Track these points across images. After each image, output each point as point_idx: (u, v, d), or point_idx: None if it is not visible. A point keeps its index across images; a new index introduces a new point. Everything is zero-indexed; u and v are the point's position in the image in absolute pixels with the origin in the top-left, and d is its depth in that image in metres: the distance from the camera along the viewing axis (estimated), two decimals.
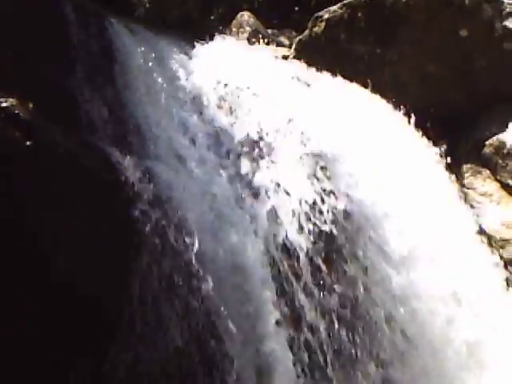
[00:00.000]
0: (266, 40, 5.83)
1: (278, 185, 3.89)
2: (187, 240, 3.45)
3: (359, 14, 5.83)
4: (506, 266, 5.07)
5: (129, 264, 3.34)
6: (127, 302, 3.28)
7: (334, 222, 3.83)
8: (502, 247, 5.41)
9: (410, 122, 5.06)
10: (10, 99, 3.28)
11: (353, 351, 3.71)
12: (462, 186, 5.58)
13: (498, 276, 4.92)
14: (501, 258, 5.13)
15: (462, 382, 4.03)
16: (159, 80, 4.19)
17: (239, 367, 3.36)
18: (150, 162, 3.72)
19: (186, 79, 4.37)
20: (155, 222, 3.44)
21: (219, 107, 4.25)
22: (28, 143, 3.21)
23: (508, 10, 5.88)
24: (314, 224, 3.77)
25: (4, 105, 3.26)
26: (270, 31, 6.24)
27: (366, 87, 5.26)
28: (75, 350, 3.15)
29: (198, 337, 3.36)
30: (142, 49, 4.27)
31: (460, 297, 4.24)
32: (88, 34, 3.94)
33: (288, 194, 3.86)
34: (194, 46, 4.86)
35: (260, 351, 3.47)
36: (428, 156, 4.95)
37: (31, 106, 3.35)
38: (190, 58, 4.65)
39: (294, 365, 3.54)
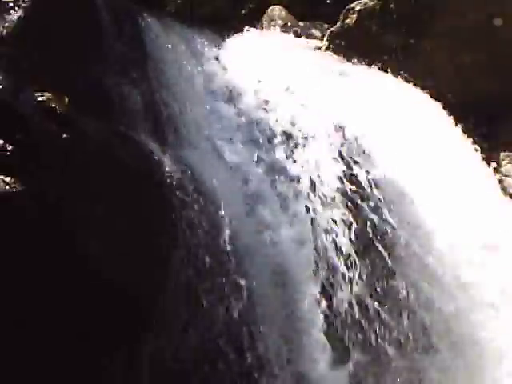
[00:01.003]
0: (297, 33, 5.82)
1: (312, 176, 3.88)
2: (222, 229, 3.45)
3: (391, 6, 5.80)
4: None
5: (165, 253, 3.35)
6: (162, 290, 3.29)
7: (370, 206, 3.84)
8: None
9: (445, 111, 5.01)
10: (46, 93, 3.30)
11: None
12: (499, 173, 5.52)
13: None
14: None
15: None
16: (193, 72, 4.20)
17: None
18: (185, 153, 3.72)
19: (220, 72, 4.37)
20: (191, 212, 3.44)
21: (254, 99, 4.24)
22: (64, 136, 3.23)
23: None
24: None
25: (40, 99, 3.28)
26: (301, 24, 6.22)
27: (399, 77, 5.23)
28: (111, 338, 3.16)
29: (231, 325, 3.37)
30: (175, 42, 4.27)
31: None
32: (121, 29, 3.95)
33: (322, 182, 3.85)
34: (226, 40, 4.86)
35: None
36: (464, 145, 4.90)
37: (67, 99, 3.37)
38: (223, 51, 4.65)
39: None
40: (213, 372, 3.34)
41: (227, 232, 3.53)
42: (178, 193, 3.50)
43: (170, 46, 4.25)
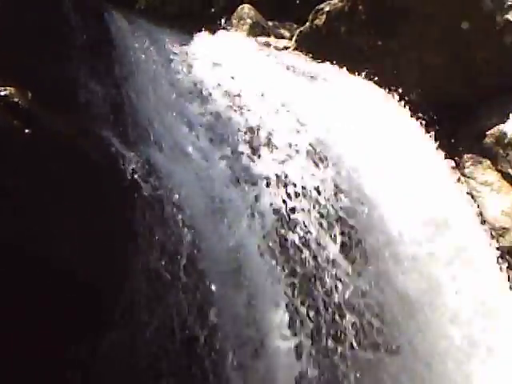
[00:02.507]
0: (266, 32, 5.86)
1: (277, 173, 3.91)
2: (185, 227, 3.47)
3: (360, 7, 5.86)
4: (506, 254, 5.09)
5: (127, 251, 3.36)
6: (125, 288, 3.31)
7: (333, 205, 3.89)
8: (502, 235, 5.43)
9: (409, 113, 5.07)
10: (9, 88, 3.30)
11: None
12: (463, 175, 5.60)
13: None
14: (499, 246, 5.15)
15: None
16: (159, 70, 4.20)
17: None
18: (149, 151, 3.73)
19: (186, 70, 4.39)
20: (153, 210, 3.46)
21: (219, 97, 4.26)
22: (27, 131, 3.24)
23: (509, 2, 5.92)
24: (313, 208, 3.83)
25: (3, 93, 3.27)
26: (270, 23, 6.26)
27: (366, 78, 5.28)
28: (73, 334, 3.17)
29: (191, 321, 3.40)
30: (142, 39, 4.28)
31: None
32: (87, 25, 3.94)
33: (286, 180, 3.88)
34: (195, 38, 4.87)
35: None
36: (428, 145, 4.96)
37: (30, 94, 3.37)
38: (191, 49, 4.66)
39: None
40: (169, 368, 3.37)
41: (188, 231, 3.55)
42: (141, 191, 3.51)
43: (137, 44, 4.25)
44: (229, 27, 5.47)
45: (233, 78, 4.46)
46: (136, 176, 3.49)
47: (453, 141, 5.42)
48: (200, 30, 4.97)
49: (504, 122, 5.65)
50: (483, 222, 5.23)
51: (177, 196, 3.53)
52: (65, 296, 3.19)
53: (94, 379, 3.25)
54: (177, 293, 3.45)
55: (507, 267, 5.04)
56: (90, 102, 3.77)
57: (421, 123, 5.14)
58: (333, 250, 3.83)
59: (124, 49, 4.09)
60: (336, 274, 3.80)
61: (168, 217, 3.54)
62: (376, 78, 5.27)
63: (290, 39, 5.95)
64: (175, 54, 4.49)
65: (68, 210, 3.32)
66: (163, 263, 3.45)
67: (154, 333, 3.35)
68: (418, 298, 4.09)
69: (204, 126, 4.10)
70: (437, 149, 5.03)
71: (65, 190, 3.31)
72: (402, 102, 5.16)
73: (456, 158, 5.47)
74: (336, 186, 4.02)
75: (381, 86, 5.25)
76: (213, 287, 3.46)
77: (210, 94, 4.30)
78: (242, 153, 4.01)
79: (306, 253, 3.74)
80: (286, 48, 5.68)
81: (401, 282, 4.06)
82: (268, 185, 3.86)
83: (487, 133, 5.72)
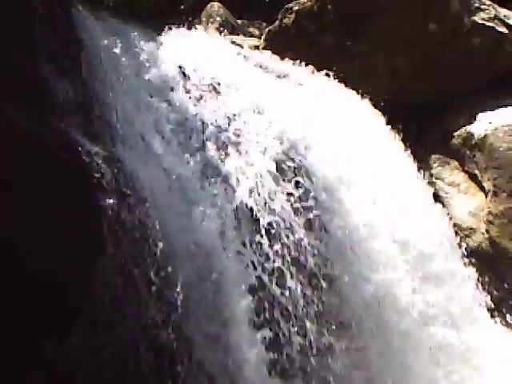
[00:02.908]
0: (235, 30, 5.84)
1: (244, 170, 3.90)
2: (152, 224, 3.45)
3: (329, 7, 5.86)
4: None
5: (93, 249, 3.33)
6: (92, 286, 3.28)
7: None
8: (468, 236, 5.48)
9: (378, 113, 5.09)
10: None
11: None
12: (430, 175, 5.62)
13: None
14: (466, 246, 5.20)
15: None
16: (126, 67, 4.17)
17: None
18: (116, 147, 3.71)
19: (154, 67, 4.35)
20: (119, 207, 3.43)
21: (186, 95, 4.24)
22: None
23: (476, 4, 5.96)
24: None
25: None
26: (239, 22, 6.24)
27: (334, 78, 5.28)
28: (40, 333, 3.14)
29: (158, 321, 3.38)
30: (110, 36, 4.25)
31: None
32: (53, 21, 3.91)
33: (254, 177, 3.88)
34: (162, 35, 4.84)
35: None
36: (395, 146, 4.98)
37: None
38: (158, 47, 4.63)
39: None
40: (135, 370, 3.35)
41: (155, 228, 3.52)
42: (107, 188, 3.47)
43: (104, 41, 4.22)
44: (198, 25, 5.44)
45: (201, 75, 4.44)
46: (102, 173, 3.45)
47: (420, 141, 5.43)
48: (168, 28, 4.93)
49: (471, 123, 5.69)
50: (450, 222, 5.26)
51: (144, 192, 3.50)
52: (30, 294, 3.15)
53: (57, 380, 3.22)
54: (143, 291, 3.44)
55: (474, 267, 5.08)
56: (56, 99, 3.73)
57: (389, 123, 5.15)
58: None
59: (91, 46, 4.07)
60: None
61: (135, 213, 3.51)
62: (345, 78, 5.27)
63: (260, 38, 5.94)
64: (143, 51, 4.45)
65: (33, 208, 3.28)
66: (130, 261, 3.43)
67: (120, 333, 3.32)
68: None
69: (171, 123, 4.08)
70: (405, 149, 5.04)
71: (29, 188, 3.27)
72: (371, 103, 5.17)
73: (423, 159, 5.50)
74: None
75: (349, 87, 5.25)
76: (179, 283, 3.43)
77: (178, 92, 4.27)
78: (210, 150, 3.99)
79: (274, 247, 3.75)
80: (256, 47, 5.67)
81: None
82: (236, 181, 3.84)
83: (454, 134, 5.76)
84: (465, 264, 5.00)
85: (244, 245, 3.73)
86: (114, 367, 3.29)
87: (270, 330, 3.70)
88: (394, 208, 4.43)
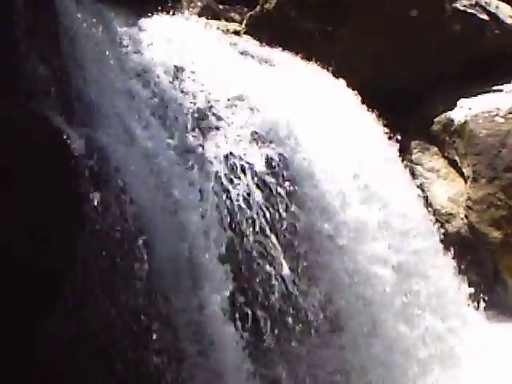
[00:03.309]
0: (217, 15, 5.82)
1: (226, 155, 3.90)
2: (131, 209, 3.44)
3: None
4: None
5: (72, 232, 3.32)
6: (71, 268, 3.28)
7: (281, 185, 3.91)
8: (448, 221, 5.52)
9: (358, 98, 5.08)
10: None
11: None
12: (410, 161, 5.65)
13: None
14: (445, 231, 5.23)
15: None
16: (107, 51, 4.14)
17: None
18: (95, 131, 3.68)
19: (135, 51, 4.33)
20: (98, 191, 3.41)
21: (167, 79, 4.21)
22: None
23: None
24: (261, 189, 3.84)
25: None
26: (221, 7, 6.21)
27: (315, 63, 5.27)
28: (18, 314, 3.13)
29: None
30: (89, 19, 4.21)
31: None
32: (33, 2, 3.87)
33: (235, 163, 3.87)
34: (142, 19, 4.80)
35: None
36: (376, 131, 4.99)
37: None
38: (140, 30, 4.60)
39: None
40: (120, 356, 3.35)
41: (134, 212, 3.51)
42: (86, 172, 3.45)
43: (84, 23, 4.18)
44: (179, 10, 5.40)
45: (181, 60, 4.41)
46: (81, 155, 3.43)
47: (400, 127, 5.44)
48: (149, 12, 4.89)
49: (451, 110, 5.72)
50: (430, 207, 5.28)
51: (123, 175, 3.49)
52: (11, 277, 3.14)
53: (43, 361, 3.21)
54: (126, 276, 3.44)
55: (453, 253, 5.11)
56: (35, 82, 3.70)
57: (369, 109, 5.15)
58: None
59: (70, 28, 4.02)
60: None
61: (114, 197, 3.49)
62: (326, 63, 5.27)
63: (241, 23, 5.92)
64: (123, 34, 4.41)
65: (9, 193, 3.26)
66: (111, 245, 3.43)
67: (105, 317, 3.32)
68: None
69: (151, 107, 4.06)
70: (385, 134, 5.05)
71: (6, 172, 3.25)
72: (351, 88, 5.16)
73: (403, 144, 5.51)
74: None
75: (330, 72, 5.25)
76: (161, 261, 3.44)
77: (158, 76, 4.25)
78: (190, 134, 3.98)
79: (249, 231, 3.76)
80: (237, 32, 5.65)
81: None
82: (215, 165, 3.84)
83: (435, 120, 5.79)
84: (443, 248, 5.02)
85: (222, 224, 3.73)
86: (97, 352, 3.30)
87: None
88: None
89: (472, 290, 5.08)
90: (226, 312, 3.63)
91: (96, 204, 3.44)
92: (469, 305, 5.04)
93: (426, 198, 5.32)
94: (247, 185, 3.84)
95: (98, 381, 3.36)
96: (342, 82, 5.11)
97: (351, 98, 4.98)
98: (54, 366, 3.30)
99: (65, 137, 3.46)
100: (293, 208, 3.94)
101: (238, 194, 3.81)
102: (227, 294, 3.63)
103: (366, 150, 4.62)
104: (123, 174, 3.57)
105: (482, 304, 5.13)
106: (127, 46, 4.35)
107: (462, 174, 5.62)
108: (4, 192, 3.21)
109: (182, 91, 4.25)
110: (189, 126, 4.07)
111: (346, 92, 5.00)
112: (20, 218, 3.25)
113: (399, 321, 4.30)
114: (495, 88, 5.73)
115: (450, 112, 5.71)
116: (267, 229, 3.81)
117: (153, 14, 4.89)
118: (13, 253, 3.18)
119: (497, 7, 6.06)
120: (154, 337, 3.45)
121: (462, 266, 5.11)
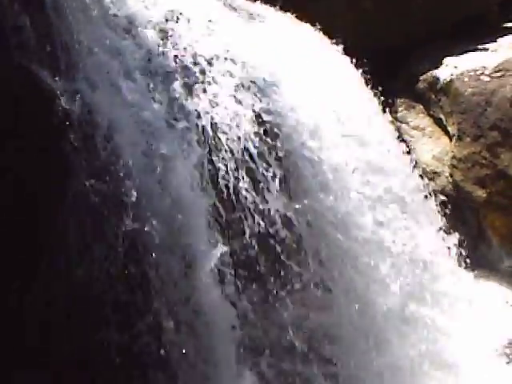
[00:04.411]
0: None
1: (211, 110, 3.88)
2: (118, 162, 3.42)
3: None
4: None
5: (59, 185, 3.30)
6: (55, 224, 3.27)
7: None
8: (432, 179, 5.54)
9: (344, 56, 5.05)
10: None
11: None
12: (396, 119, 5.65)
13: None
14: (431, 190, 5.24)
15: None
16: (90, 4, 4.07)
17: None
18: (81, 86, 3.63)
19: (119, 3, 4.26)
20: (84, 145, 3.39)
21: (153, 32, 4.16)
22: None
23: None
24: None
25: None
26: None
27: (301, 20, 5.22)
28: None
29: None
30: None
31: None
32: None
33: (222, 117, 3.85)
34: None
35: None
36: (363, 90, 4.97)
37: None
38: None
39: None
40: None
41: (122, 168, 3.49)
42: (73, 128, 3.43)
43: None
44: None
45: (169, 14, 4.35)
46: (67, 109, 3.40)
47: (386, 85, 5.42)
48: None
49: (437, 68, 5.71)
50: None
51: (109, 130, 3.47)
52: None
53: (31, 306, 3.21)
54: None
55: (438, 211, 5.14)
56: (19, 36, 3.64)
57: (355, 67, 5.12)
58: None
59: None
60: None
61: (100, 152, 3.47)
62: (311, 20, 5.22)
63: None
64: None
65: None
66: (97, 202, 3.41)
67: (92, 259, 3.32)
68: None
69: (138, 61, 4.00)
70: (371, 92, 5.04)
71: None
72: (337, 46, 5.13)
73: (389, 102, 5.50)
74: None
75: (316, 29, 5.20)
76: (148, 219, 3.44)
77: (145, 31, 4.19)
78: (177, 89, 3.94)
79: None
80: None
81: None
82: (203, 121, 3.82)
83: (420, 78, 5.78)
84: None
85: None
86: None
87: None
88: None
89: (456, 247, 5.11)
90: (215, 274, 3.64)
91: (82, 160, 3.42)
92: (454, 261, 5.07)
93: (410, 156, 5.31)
94: (235, 137, 3.82)
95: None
96: (328, 42, 5.07)
97: (337, 57, 4.94)
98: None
99: (51, 92, 3.43)
100: (282, 162, 3.93)
101: (225, 148, 3.79)
102: (217, 251, 3.63)
103: (353, 107, 4.61)
104: (110, 128, 3.55)
105: (465, 261, 5.17)
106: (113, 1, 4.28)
107: (447, 133, 5.64)
108: None
109: (169, 45, 4.19)
110: (176, 82, 4.02)
111: (332, 50, 4.97)
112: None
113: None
114: (481, 46, 5.73)
115: (435, 70, 5.70)
116: (255, 182, 3.81)
117: None
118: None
119: None
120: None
121: (447, 224, 5.14)
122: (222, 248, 3.63)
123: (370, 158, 4.45)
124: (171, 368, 3.52)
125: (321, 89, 4.43)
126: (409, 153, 5.30)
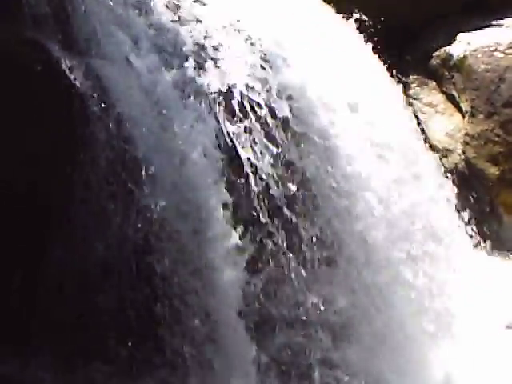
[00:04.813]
0: None
1: (223, 86, 3.88)
2: (129, 137, 3.45)
3: None
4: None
5: (71, 159, 3.33)
6: (69, 197, 3.31)
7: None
8: (445, 156, 5.53)
9: (358, 31, 5.04)
10: None
11: None
12: (408, 96, 5.63)
13: None
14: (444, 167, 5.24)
15: None
16: None
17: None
18: (94, 61, 3.66)
19: None
20: (97, 120, 3.41)
21: (165, 8, 4.17)
22: None
23: None
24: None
25: None
26: None
27: None
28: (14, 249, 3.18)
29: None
30: None
31: None
32: None
33: (233, 93, 3.86)
34: None
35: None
36: (375, 64, 4.96)
37: None
38: None
39: None
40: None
41: (138, 145, 3.52)
42: (86, 103, 3.45)
43: None
44: None
45: None
46: (80, 86, 3.43)
47: (399, 62, 5.42)
48: None
49: (450, 44, 5.69)
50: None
51: (121, 105, 3.48)
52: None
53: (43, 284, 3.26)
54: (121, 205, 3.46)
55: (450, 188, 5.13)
56: (33, 11, 3.66)
57: (370, 44, 5.11)
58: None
59: None
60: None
61: (113, 130, 3.49)
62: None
63: None
64: None
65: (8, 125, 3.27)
66: (109, 175, 3.44)
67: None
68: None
69: (149, 39, 4.02)
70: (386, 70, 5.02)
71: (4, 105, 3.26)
72: (352, 23, 5.11)
73: (403, 79, 5.48)
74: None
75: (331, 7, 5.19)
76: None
77: (156, 6, 4.20)
78: (189, 66, 3.95)
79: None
80: None
81: None
82: (214, 97, 3.83)
83: (433, 54, 5.75)
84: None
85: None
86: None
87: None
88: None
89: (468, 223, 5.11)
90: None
91: (94, 133, 3.45)
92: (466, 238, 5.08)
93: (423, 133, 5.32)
94: (244, 111, 3.83)
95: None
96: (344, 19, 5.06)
97: (352, 33, 4.93)
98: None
99: (64, 67, 3.46)
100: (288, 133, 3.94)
101: (235, 120, 3.81)
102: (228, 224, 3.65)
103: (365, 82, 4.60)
104: (121, 102, 3.57)
105: (476, 237, 5.18)
106: None
107: (460, 110, 5.62)
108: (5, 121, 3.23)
109: (180, 22, 4.20)
110: (190, 58, 4.03)
111: (347, 27, 4.96)
112: (14, 150, 3.27)
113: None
114: (495, 23, 5.69)
115: (449, 46, 5.68)
116: (264, 151, 3.82)
117: None
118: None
119: None
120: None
121: (459, 201, 5.13)
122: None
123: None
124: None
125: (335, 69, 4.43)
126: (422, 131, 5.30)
